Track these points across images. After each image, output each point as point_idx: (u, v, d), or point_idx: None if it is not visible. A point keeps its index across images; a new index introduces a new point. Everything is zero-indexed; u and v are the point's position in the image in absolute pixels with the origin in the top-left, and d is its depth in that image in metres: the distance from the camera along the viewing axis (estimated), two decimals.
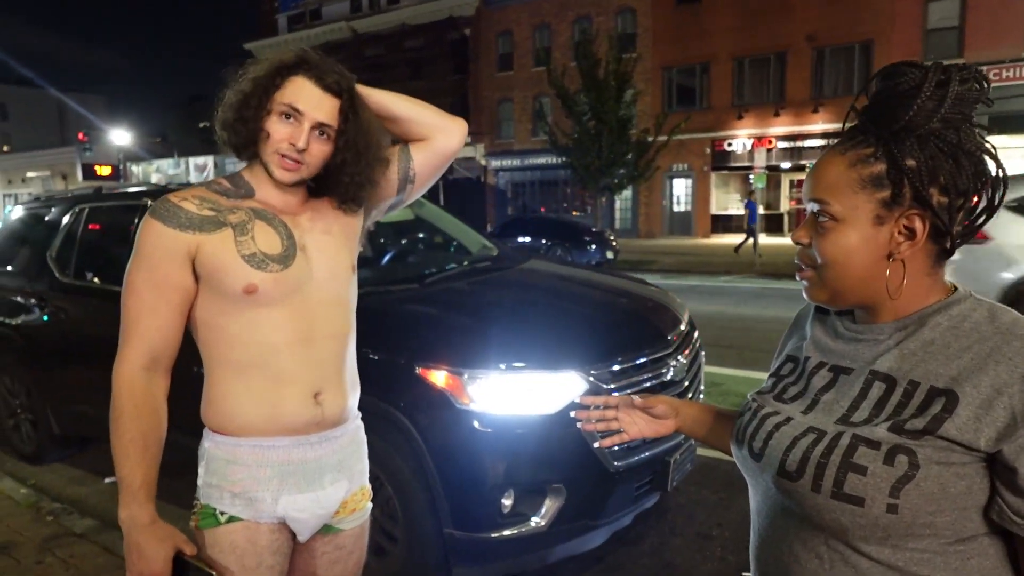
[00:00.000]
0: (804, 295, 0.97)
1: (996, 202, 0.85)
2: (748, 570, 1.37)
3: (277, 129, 1.34)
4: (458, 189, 28.95)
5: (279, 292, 1.36)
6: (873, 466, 0.81)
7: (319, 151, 1.37)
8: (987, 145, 0.84)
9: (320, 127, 1.35)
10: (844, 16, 21.88)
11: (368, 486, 1.61)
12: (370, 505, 1.62)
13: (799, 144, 23.36)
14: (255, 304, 1.35)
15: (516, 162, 30.64)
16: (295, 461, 1.41)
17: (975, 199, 0.84)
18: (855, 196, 0.87)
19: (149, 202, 3.66)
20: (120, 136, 28.12)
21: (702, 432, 1.22)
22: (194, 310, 1.38)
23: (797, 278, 0.97)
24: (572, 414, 1.31)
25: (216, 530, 1.39)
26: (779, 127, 23.56)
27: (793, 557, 0.91)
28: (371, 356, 2.68)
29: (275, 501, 1.40)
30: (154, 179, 26.06)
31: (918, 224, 0.85)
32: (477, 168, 31.37)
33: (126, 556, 1.30)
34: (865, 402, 0.87)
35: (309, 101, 1.34)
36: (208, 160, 29.22)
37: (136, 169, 31.33)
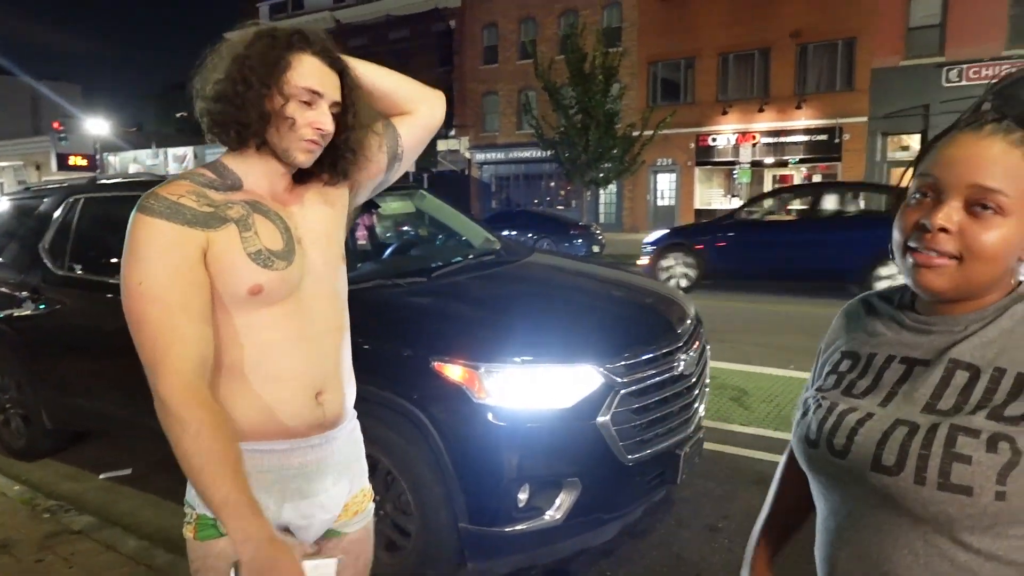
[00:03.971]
0: (914, 280, 0.90)
1: None
2: None
3: (301, 115, 1.25)
4: (443, 182, 28.80)
5: (283, 290, 1.27)
6: (977, 454, 0.81)
7: (332, 130, 1.31)
8: None
9: (333, 105, 1.30)
10: (828, 13, 22.03)
11: (368, 486, 1.55)
12: (372, 506, 1.55)
13: (782, 140, 23.52)
14: (257, 304, 1.25)
15: (500, 155, 30.55)
16: (295, 465, 1.33)
17: None
18: None
19: None
20: (97, 125, 27.49)
21: (781, 545, 1.22)
22: None
23: (914, 261, 0.89)
24: None
25: (219, 541, 1.28)
26: (763, 123, 23.69)
27: (883, 557, 0.90)
28: (382, 349, 2.66)
29: (279, 508, 1.32)
30: (132, 169, 25.44)
31: None
32: (461, 161, 31.24)
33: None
34: (948, 390, 0.86)
35: (324, 82, 1.28)
36: (188, 151, 28.64)
37: (113, 159, 30.72)
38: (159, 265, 1.17)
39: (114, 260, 3.80)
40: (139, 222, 1.19)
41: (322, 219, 1.38)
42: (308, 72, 1.26)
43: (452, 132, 31.41)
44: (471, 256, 3.74)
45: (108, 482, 4.02)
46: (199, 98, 1.28)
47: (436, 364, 2.54)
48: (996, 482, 0.79)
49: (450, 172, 30.55)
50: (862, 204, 10.73)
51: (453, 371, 2.52)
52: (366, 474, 1.54)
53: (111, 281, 3.64)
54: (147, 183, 3.80)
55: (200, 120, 1.28)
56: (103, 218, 3.90)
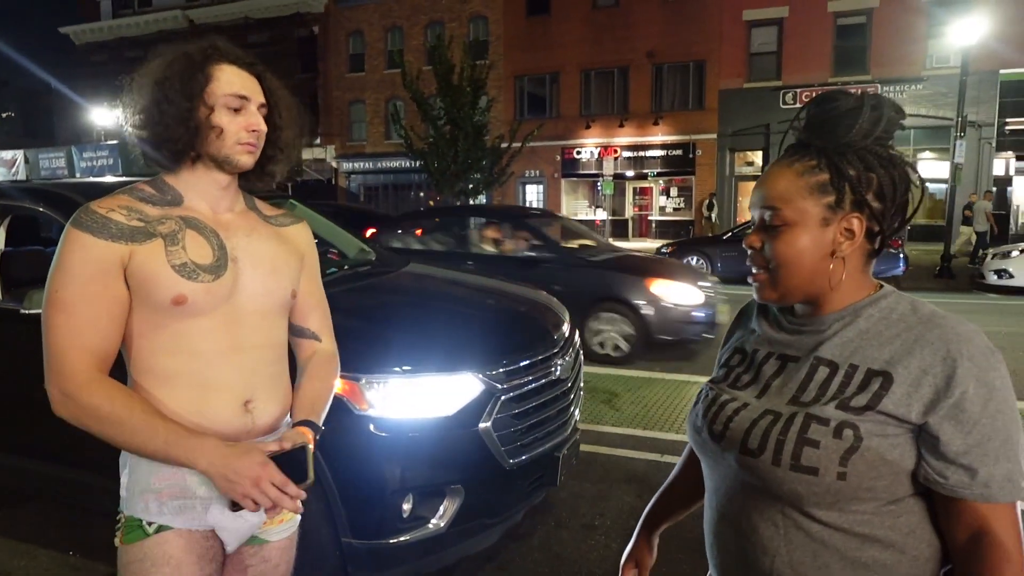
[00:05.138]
0: (755, 296, 1.08)
1: (915, 207, 1.00)
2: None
3: (231, 121, 1.33)
4: (308, 192, 27.94)
5: (209, 303, 1.33)
6: (825, 440, 0.93)
7: (266, 129, 1.40)
8: (909, 160, 1.00)
9: (260, 107, 1.38)
10: (680, 36, 23.56)
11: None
12: (299, 516, 1.57)
13: (641, 154, 24.84)
14: (184, 315, 1.31)
15: (368, 165, 30.08)
16: None
17: (901, 204, 0.99)
18: (804, 201, 0.99)
19: None
20: None
21: (669, 516, 1.34)
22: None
23: (750, 281, 1.07)
24: None
25: (144, 543, 1.32)
26: (623, 137, 24.91)
27: (751, 527, 1.01)
28: None
29: (205, 509, 1.35)
30: None
31: (856, 225, 0.99)
32: (328, 170, 30.46)
33: (230, 492, 1.26)
34: (812, 384, 0.99)
35: (247, 86, 1.36)
36: (17, 154, 25.99)
37: None
38: (74, 277, 1.26)
39: None
40: (67, 234, 1.28)
41: (271, 250, 1.45)
42: (231, 80, 1.34)
43: (318, 141, 30.56)
44: (346, 267, 3.68)
45: None
46: (129, 127, 1.35)
47: None
48: (839, 464, 0.92)
49: (315, 181, 29.70)
50: None
51: None
52: None
53: None
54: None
55: (135, 148, 1.36)
56: None
